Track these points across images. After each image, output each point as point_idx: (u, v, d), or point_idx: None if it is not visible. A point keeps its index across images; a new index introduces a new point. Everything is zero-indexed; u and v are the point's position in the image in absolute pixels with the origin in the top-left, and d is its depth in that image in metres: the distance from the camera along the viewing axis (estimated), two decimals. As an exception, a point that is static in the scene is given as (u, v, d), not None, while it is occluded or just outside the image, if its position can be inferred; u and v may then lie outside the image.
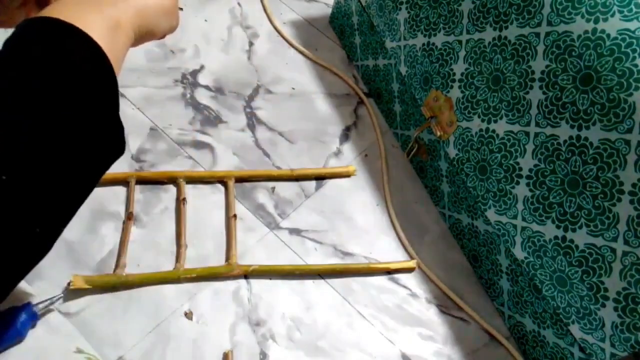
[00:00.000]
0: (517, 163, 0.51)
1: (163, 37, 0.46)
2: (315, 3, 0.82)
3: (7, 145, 0.29)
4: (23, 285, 0.53)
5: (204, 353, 0.52)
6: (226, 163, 0.64)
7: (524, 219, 0.50)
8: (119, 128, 0.36)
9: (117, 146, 0.36)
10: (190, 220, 0.59)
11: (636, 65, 0.42)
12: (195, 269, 0.56)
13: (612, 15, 0.44)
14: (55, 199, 0.32)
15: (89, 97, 0.33)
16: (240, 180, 0.63)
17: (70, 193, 0.33)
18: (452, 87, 0.57)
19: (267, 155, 0.66)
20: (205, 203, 0.61)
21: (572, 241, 0.47)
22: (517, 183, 0.51)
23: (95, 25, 0.35)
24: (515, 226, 0.51)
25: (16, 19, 0.46)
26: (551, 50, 0.47)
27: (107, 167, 0.36)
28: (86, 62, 0.33)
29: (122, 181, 0.60)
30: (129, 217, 0.58)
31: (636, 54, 0.42)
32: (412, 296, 0.59)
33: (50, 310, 0.52)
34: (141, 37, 0.41)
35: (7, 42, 0.33)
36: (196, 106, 0.68)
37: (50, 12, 0.34)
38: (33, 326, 0.51)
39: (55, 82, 0.32)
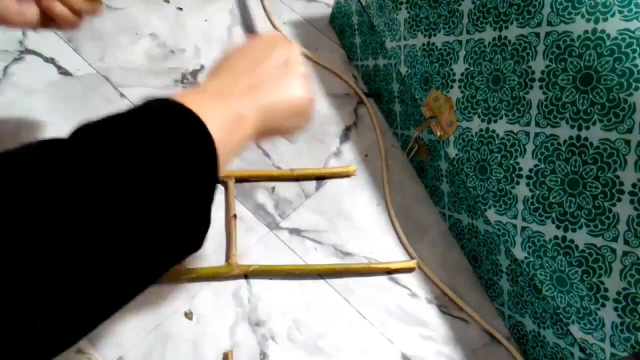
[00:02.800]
0: (517, 163, 0.51)
1: (290, 134, 0.46)
2: (315, 3, 0.82)
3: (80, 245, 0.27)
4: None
5: (204, 353, 0.52)
6: (226, 163, 0.64)
7: (524, 219, 0.50)
8: (206, 228, 0.34)
9: (196, 245, 0.34)
10: (190, 220, 0.59)
11: (636, 65, 0.42)
12: (195, 269, 0.56)
13: (612, 15, 0.44)
14: (106, 295, 0.30)
15: (186, 198, 0.31)
16: (240, 180, 0.63)
17: (137, 282, 0.31)
18: (452, 87, 0.57)
19: (267, 155, 0.66)
20: (205, 203, 0.61)
21: (572, 241, 0.47)
22: (517, 183, 0.51)
23: (217, 119, 0.34)
24: (515, 226, 0.51)
25: (13, 19, 0.45)
26: (551, 50, 0.47)
27: (174, 263, 0.33)
28: (194, 160, 0.32)
29: (122, 181, 0.60)
30: (129, 217, 0.58)
31: (636, 54, 0.42)
32: (412, 296, 0.59)
33: (50, 310, 0.52)
34: (264, 133, 0.41)
35: (127, 115, 0.32)
36: (196, 106, 0.68)
37: (181, 97, 0.34)
38: (33, 326, 0.51)
39: (156, 177, 0.30)
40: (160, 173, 0.30)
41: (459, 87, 0.56)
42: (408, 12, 0.61)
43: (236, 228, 0.59)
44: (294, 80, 0.42)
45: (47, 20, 0.47)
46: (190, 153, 0.32)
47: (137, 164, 0.30)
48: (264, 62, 0.42)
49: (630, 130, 0.42)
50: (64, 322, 0.28)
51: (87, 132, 0.30)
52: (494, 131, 0.53)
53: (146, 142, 0.31)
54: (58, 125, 0.63)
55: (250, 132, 0.38)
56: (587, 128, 0.45)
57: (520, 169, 0.50)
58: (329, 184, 0.65)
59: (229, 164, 0.36)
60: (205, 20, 0.77)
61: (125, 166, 0.29)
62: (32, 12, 0.46)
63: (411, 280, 0.60)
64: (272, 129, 0.41)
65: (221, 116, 0.35)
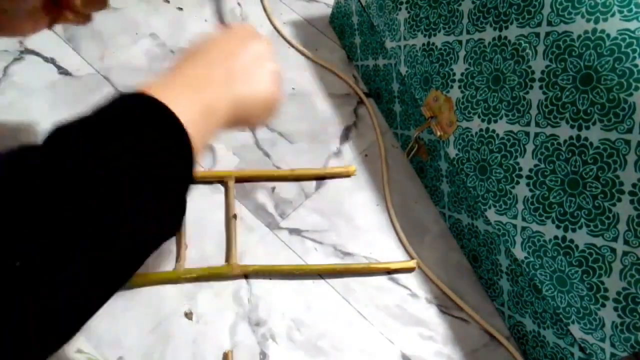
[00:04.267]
0: (517, 163, 0.51)
1: (255, 126, 0.46)
2: (315, 3, 0.82)
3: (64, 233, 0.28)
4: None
5: (204, 353, 0.52)
6: (226, 163, 0.64)
7: (524, 219, 0.50)
8: (181, 215, 0.35)
9: (173, 232, 0.35)
10: (190, 220, 0.59)
11: (636, 65, 0.42)
12: (195, 269, 0.56)
13: (612, 15, 0.44)
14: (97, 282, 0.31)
15: (161, 189, 0.32)
16: (240, 180, 0.63)
17: (117, 272, 0.32)
18: (452, 87, 0.57)
19: (267, 155, 0.66)
20: (205, 203, 0.61)
21: (572, 241, 0.47)
22: (517, 183, 0.51)
23: (190, 110, 0.35)
24: (515, 226, 0.51)
25: (23, 28, 0.46)
26: (551, 50, 0.47)
27: (154, 250, 0.34)
28: (168, 152, 0.33)
29: (122, 181, 0.60)
30: (129, 217, 0.58)
31: (636, 54, 0.42)
32: (412, 296, 0.59)
33: (50, 310, 0.52)
34: (234, 123, 0.41)
35: (98, 113, 0.32)
36: (196, 106, 0.68)
37: (150, 88, 0.34)
38: (33, 326, 0.51)
39: (133, 172, 0.31)
40: (138, 170, 0.31)
41: (459, 87, 0.56)
42: (408, 12, 0.61)
43: (236, 228, 0.59)
44: (265, 75, 0.43)
45: (57, 18, 0.47)
46: (166, 147, 0.33)
47: (115, 163, 0.30)
48: (237, 54, 0.42)
49: (630, 130, 0.42)
50: (59, 318, 0.29)
51: (62, 137, 0.30)
52: (494, 131, 0.53)
53: (123, 142, 0.31)
54: (58, 125, 0.63)
55: (220, 123, 0.39)
56: (587, 128, 0.45)
57: (520, 169, 0.50)
58: (329, 184, 0.65)
59: (202, 155, 0.36)
60: (205, 20, 0.77)
61: (103, 167, 0.30)
62: (43, 22, 0.46)
63: (411, 280, 0.60)
64: (240, 121, 0.42)
65: (194, 108, 0.35)
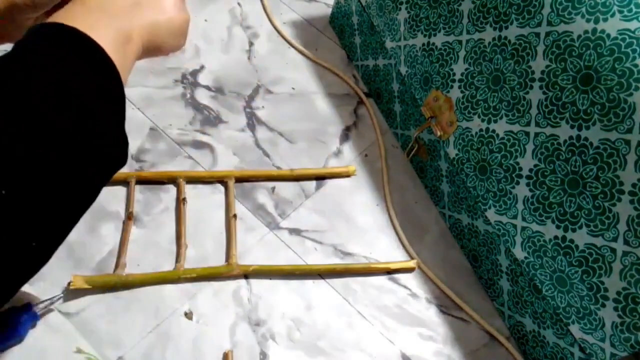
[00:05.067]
0: (517, 163, 0.51)
1: (168, 54, 0.46)
2: (315, 3, 0.82)
3: (6, 156, 0.29)
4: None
5: (204, 353, 0.52)
6: (226, 163, 0.64)
7: (524, 219, 0.50)
8: (124, 141, 0.36)
9: (119, 158, 0.36)
10: (190, 220, 0.59)
11: (636, 65, 0.42)
12: (195, 269, 0.56)
13: (612, 15, 0.44)
14: (54, 211, 0.32)
15: (96, 110, 0.33)
16: (240, 180, 0.63)
17: (69, 205, 0.33)
18: (452, 87, 0.57)
19: (267, 155, 0.66)
20: (205, 203, 0.61)
21: (572, 241, 0.47)
22: (517, 183, 0.51)
23: (108, 37, 0.35)
24: (515, 226, 0.51)
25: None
26: (551, 50, 0.47)
27: (108, 179, 0.35)
28: (96, 74, 0.33)
29: (122, 181, 0.60)
30: (129, 217, 0.58)
31: (636, 54, 0.42)
32: (412, 296, 0.59)
33: (50, 310, 0.52)
34: (148, 51, 0.41)
35: (16, 45, 0.33)
36: (196, 106, 0.68)
37: (63, 18, 0.34)
38: (33, 326, 0.51)
39: (62, 92, 0.31)
40: (69, 96, 0.32)
41: (459, 87, 0.56)
42: (408, 12, 0.61)
43: (236, 228, 0.59)
44: (172, 0, 0.43)
45: None
46: (94, 76, 0.33)
47: (47, 89, 0.31)
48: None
49: (630, 130, 0.42)
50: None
51: None
52: (494, 131, 0.53)
53: (48, 67, 0.32)
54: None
55: (136, 52, 0.39)
56: (587, 128, 0.45)
57: (520, 169, 0.50)
58: (329, 184, 0.65)
59: (126, 84, 0.38)
60: (205, 20, 0.77)
61: (36, 89, 0.31)
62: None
63: (411, 280, 0.60)
64: (154, 49, 0.42)
65: (110, 36, 0.36)
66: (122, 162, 0.36)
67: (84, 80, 0.33)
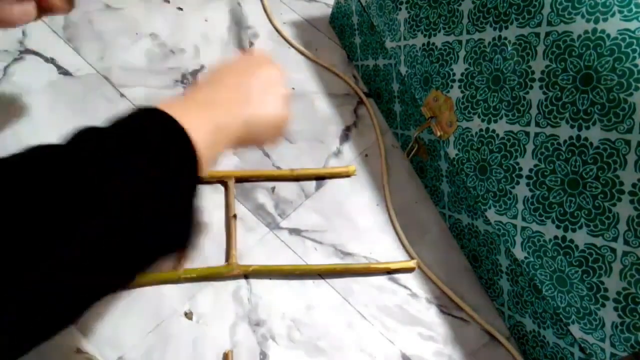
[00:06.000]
0: (517, 163, 0.51)
1: (262, 146, 0.50)
2: (315, 3, 0.82)
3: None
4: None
5: (204, 353, 0.52)
6: (226, 163, 0.64)
7: (524, 219, 0.50)
8: (189, 226, 0.37)
9: (181, 243, 0.37)
10: (190, 220, 0.59)
11: (636, 65, 0.42)
12: (195, 269, 0.56)
13: (612, 15, 0.44)
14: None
15: (172, 201, 0.35)
16: (240, 180, 0.63)
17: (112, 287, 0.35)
18: (452, 87, 0.57)
19: (267, 155, 0.66)
20: (206, 203, 0.61)
21: (572, 241, 0.47)
22: (517, 183, 0.51)
23: (200, 127, 0.37)
24: (515, 226, 0.51)
25: (12, 17, 0.47)
26: (551, 50, 0.47)
27: (165, 253, 0.37)
28: (178, 165, 0.35)
29: (122, 181, 0.60)
30: (129, 217, 0.58)
31: (636, 54, 0.42)
32: (412, 296, 0.59)
33: (50, 310, 0.52)
34: (243, 142, 0.44)
35: (119, 126, 0.35)
36: (196, 106, 0.68)
37: (169, 106, 0.37)
38: (33, 326, 0.51)
39: (144, 180, 0.33)
40: (149, 179, 0.33)
41: (459, 87, 0.56)
42: (408, 12, 0.61)
43: (236, 228, 0.59)
44: (276, 99, 0.46)
45: (42, 10, 0.50)
46: (176, 162, 0.35)
47: (129, 170, 0.33)
48: (250, 79, 0.46)
49: (630, 130, 0.42)
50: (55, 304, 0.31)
51: (83, 140, 0.33)
52: (494, 131, 0.53)
53: (137, 151, 0.33)
54: (58, 125, 0.63)
55: (230, 141, 0.42)
56: (587, 128, 0.45)
57: (520, 169, 0.50)
58: (329, 184, 0.65)
59: (209, 168, 0.41)
60: (206, 20, 0.77)
61: (118, 172, 0.32)
62: (31, 10, 0.48)
63: (411, 280, 0.60)
64: (249, 140, 0.45)
65: (204, 126, 0.38)
66: (184, 245, 0.37)
67: (168, 171, 0.34)
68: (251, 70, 0.47)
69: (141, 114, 0.36)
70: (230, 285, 0.56)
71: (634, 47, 0.43)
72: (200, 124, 0.38)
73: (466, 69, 0.55)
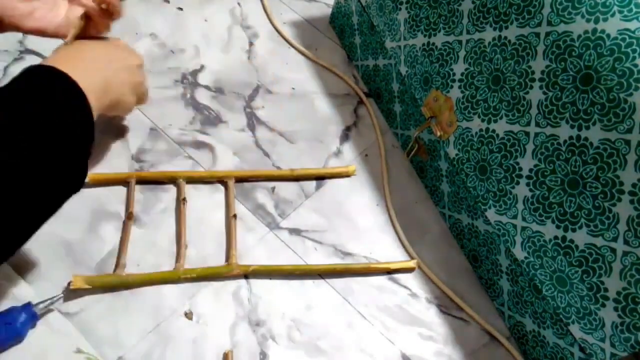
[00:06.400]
0: (517, 163, 0.51)
1: (127, 112, 0.58)
2: (315, 3, 0.82)
3: None
4: (23, 285, 0.53)
5: (204, 353, 0.52)
6: (226, 163, 0.64)
7: (524, 219, 0.50)
8: (84, 171, 0.44)
9: (76, 186, 0.44)
10: (190, 220, 0.59)
11: (636, 65, 0.42)
12: (195, 269, 0.56)
13: (612, 15, 0.44)
14: (16, 214, 0.39)
15: (68, 145, 0.42)
16: (240, 180, 0.63)
17: (29, 211, 0.40)
18: (452, 87, 0.57)
19: (267, 155, 0.66)
20: (205, 203, 0.61)
21: (572, 241, 0.47)
22: (517, 183, 0.51)
23: (89, 80, 0.46)
24: (515, 226, 0.51)
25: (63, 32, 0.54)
26: (551, 50, 0.47)
27: (64, 198, 0.43)
28: (74, 112, 0.43)
29: (122, 181, 0.60)
30: (129, 217, 0.58)
31: (636, 54, 0.42)
32: (412, 296, 0.59)
33: (50, 310, 0.52)
34: (108, 108, 0.51)
35: (12, 82, 0.42)
36: (196, 106, 0.68)
37: (56, 61, 0.45)
38: (33, 326, 0.51)
39: (41, 126, 0.40)
40: (43, 128, 0.40)
41: (459, 87, 0.56)
42: (408, 12, 0.61)
43: (236, 228, 0.59)
44: (136, 85, 0.55)
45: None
46: (69, 111, 0.43)
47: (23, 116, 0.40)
48: (119, 61, 0.53)
49: (630, 130, 0.42)
50: None
51: None
52: (494, 131, 0.53)
53: (31, 103, 0.41)
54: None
55: (109, 99, 0.50)
56: (587, 128, 0.45)
57: (520, 169, 0.50)
58: (329, 184, 0.65)
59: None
60: (205, 20, 0.77)
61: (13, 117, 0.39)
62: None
63: (411, 280, 0.60)
64: (108, 109, 0.51)
65: (93, 80, 0.47)
66: (77, 188, 0.44)
67: (62, 123, 0.42)
68: (121, 53, 0.54)
69: (33, 72, 0.43)
70: (230, 285, 0.56)
71: (634, 47, 0.43)
72: (86, 77, 0.45)
73: (466, 69, 0.55)
